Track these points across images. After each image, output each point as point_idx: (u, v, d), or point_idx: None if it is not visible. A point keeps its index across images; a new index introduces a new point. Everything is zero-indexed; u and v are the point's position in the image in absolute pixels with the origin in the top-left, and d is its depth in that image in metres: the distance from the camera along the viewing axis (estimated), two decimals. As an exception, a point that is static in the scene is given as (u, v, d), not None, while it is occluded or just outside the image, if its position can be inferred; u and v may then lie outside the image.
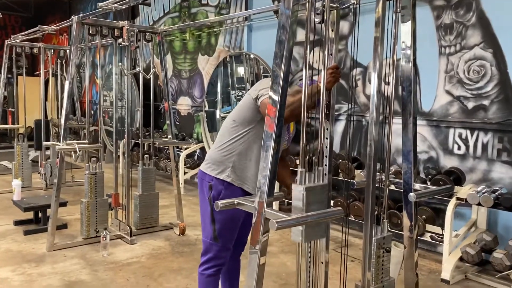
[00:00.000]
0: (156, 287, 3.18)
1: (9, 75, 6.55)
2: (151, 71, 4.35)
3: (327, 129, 2.05)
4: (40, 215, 4.45)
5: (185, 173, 6.37)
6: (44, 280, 3.24)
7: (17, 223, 4.49)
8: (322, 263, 2.07)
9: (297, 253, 2.11)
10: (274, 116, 1.71)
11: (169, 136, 4.52)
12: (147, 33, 4.26)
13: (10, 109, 8.87)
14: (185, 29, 7.10)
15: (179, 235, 4.32)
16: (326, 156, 2.04)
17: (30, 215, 4.50)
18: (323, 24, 1.93)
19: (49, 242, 3.82)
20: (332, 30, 2.06)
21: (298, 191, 1.72)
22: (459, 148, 3.86)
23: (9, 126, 6.58)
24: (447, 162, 3.93)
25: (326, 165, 2.02)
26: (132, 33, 3.96)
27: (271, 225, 1.54)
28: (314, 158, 1.87)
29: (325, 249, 2.05)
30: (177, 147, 6.63)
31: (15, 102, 6.62)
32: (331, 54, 2.06)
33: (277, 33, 1.74)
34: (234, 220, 2.28)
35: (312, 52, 1.93)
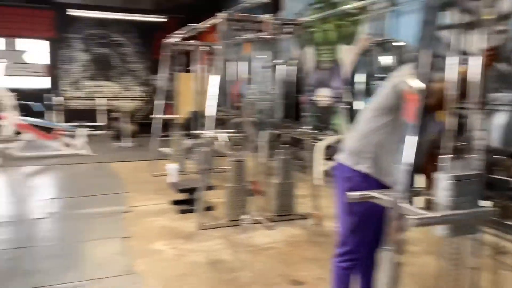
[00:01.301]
0: (290, 273, 3.25)
1: (170, 72, 7.35)
2: (292, 63, 4.41)
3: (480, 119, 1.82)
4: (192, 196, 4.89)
5: (324, 164, 6.34)
6: (192, 256, 3.57)
7: (174, 202, 5.01)
8: (470, 268, 1.86)
9: (438, 254, 1.93)
10: (414, 105, 1.58)
11: (305, 128, 4.55)
12: (288, 26, 4.33)
13: (169, 102, 10.01)
14: (327, 19, 7.02)
15: (315, 225, 4.34)
16: (479, 150, 1.81)
17: (185, 196, 4.96)
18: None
19: (197, 222, 4.20)
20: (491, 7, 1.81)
21: (443, 180, 1.48)
22: None
23: (168, 116, 7.45)
24: None
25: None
26: (273, 26, 4.06)
27: (409, 222, 1.44)
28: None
29: (473, 253, 1.83)
30: (316, 138, 6.63)
31: (173, 96, 7.44)
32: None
33: (423, 13, 1.59)
34: (371, 213, 2.19)
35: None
